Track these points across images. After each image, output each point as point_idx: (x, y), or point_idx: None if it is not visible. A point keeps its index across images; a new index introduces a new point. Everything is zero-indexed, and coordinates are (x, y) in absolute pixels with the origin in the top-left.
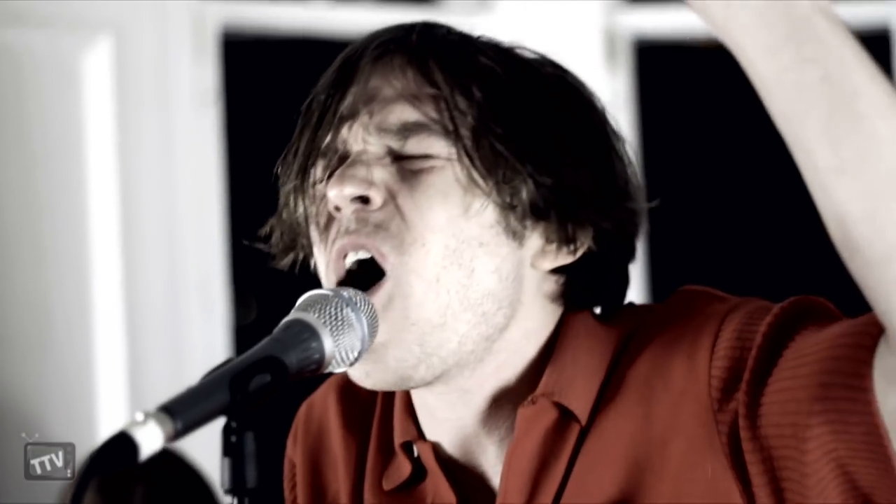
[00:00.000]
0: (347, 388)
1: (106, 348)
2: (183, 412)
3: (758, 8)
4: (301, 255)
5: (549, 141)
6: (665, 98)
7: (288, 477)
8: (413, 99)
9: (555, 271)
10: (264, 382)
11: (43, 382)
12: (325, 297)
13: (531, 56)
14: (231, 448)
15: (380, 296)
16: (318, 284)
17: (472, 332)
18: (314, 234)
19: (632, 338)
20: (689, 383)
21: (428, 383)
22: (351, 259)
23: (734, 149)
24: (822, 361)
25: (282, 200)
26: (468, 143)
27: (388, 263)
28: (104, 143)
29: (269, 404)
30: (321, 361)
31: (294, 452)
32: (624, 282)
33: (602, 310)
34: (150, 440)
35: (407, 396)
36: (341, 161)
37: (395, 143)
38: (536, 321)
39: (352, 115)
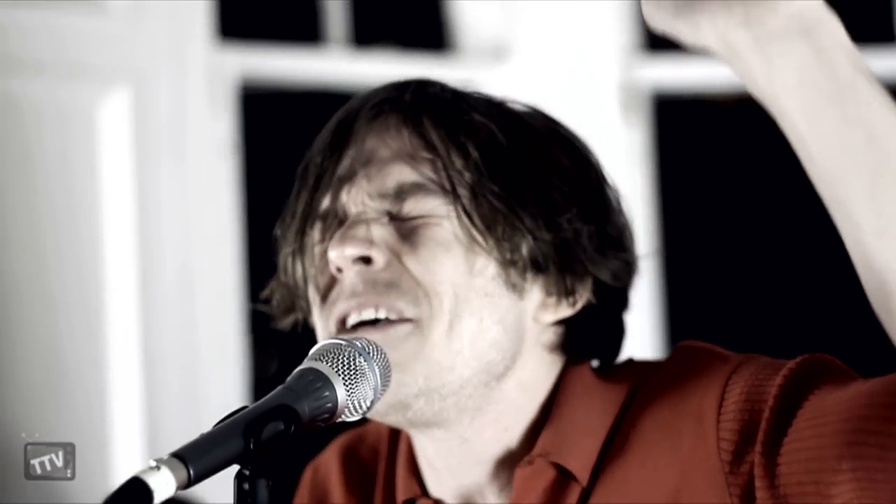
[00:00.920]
0: (350, 451)
1: (122, 399)
2: (196, 459)
3: (800, 69)
4: (301, 317)
5: (546, 195)
6: (683, 151)
7: None
8: (409, 159)
9: (554, 323)
10: (277, 431)
11: (58, 433)
12: (339, 346)
13: (523, 110)
14: (244, 496)
15: (399, 329)
16: None
17: (473, 378)
18: (313, 295)
19: (634, 396)
20: (697, 446)
21: (425, 421)
22: (353, 321)
23: (752, 203)
24: (849, 420)
25: (280, 263)
26: (466, 202)
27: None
28: (121, 193)
29: (281, 453)
30: (334, 410)
31: None
32: (620, 333)
33: (601, 362)
34: (163, 486)
35: (410, 454)
36: (340, 223)
37: (393, 206)
38: (535, 373)
39: (349, 178)
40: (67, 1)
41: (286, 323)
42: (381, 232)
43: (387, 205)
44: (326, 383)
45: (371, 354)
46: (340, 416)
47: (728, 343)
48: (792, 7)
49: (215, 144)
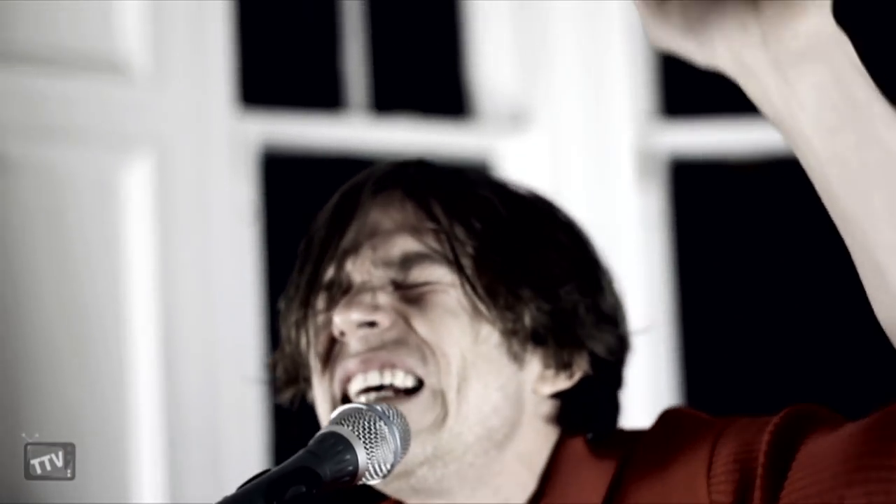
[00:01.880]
0: None
1: (144, 463)
2: None
3: (819, 89)
4: (301, 391)
5: (546, 268)
6: (700, 217)
7: None
8: (413, 231)
9: (551, 396)
10: (299, 493)
11: (79, 493)
12: (359, 410)
13: (522, 189)
14: None
15: (421, 400)
16: None
17: (475, 445)
18: (314, 362)
19: (624, 468)
20: None
21: (427, 488)
22: (358, 385)
23: (770, 270)
24: (846, 461)
25: (284, 334)
26: (469, 272)
27: (417, 375)
28: (144, 260)
29: None
30: (355, 473)
31: None
32: (615, 407)
33: (594, 435)
34: None
35: None
36: (345, 293)
37: (398, 274)
38: (533, 444)
39: (354, 249)
40: (89, 69)
41: (286, 397)
42: (387, 299)
43: (392, 273)
44: (347, 447)
45: (391, 419)
46: (361, 479)
47: (745, 410)
48: (810, 26)
49: (237, 210)
